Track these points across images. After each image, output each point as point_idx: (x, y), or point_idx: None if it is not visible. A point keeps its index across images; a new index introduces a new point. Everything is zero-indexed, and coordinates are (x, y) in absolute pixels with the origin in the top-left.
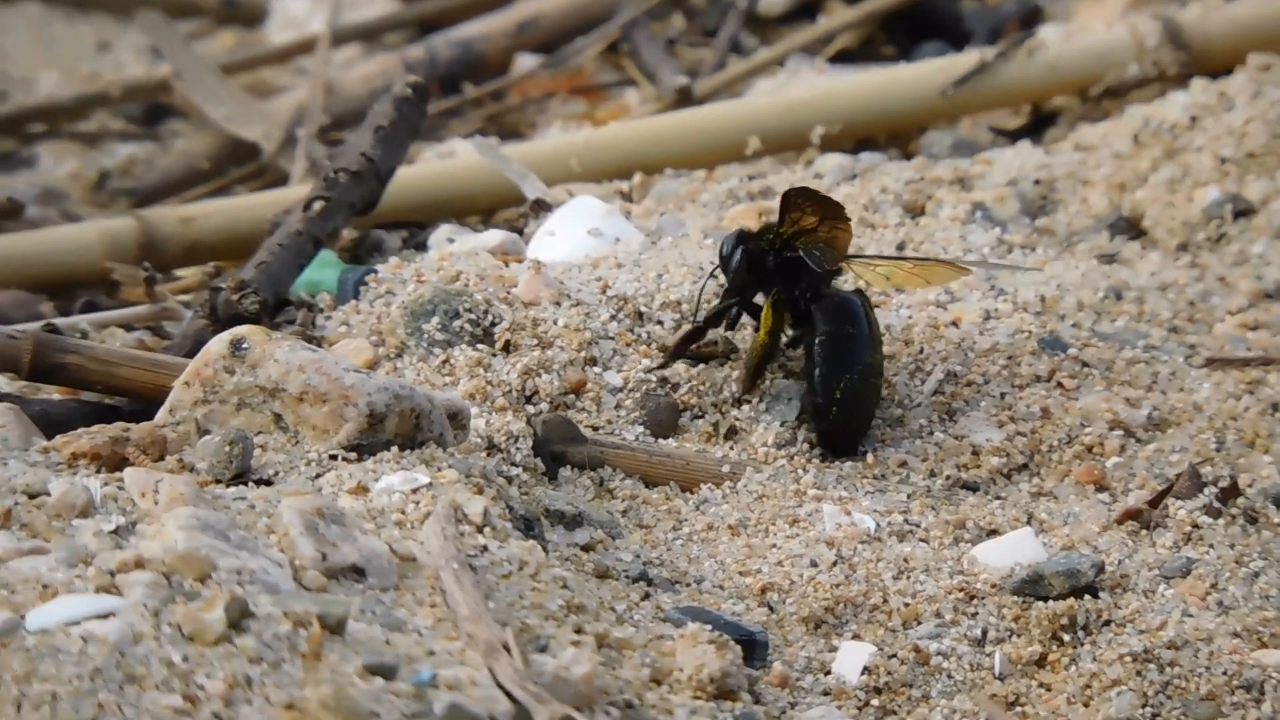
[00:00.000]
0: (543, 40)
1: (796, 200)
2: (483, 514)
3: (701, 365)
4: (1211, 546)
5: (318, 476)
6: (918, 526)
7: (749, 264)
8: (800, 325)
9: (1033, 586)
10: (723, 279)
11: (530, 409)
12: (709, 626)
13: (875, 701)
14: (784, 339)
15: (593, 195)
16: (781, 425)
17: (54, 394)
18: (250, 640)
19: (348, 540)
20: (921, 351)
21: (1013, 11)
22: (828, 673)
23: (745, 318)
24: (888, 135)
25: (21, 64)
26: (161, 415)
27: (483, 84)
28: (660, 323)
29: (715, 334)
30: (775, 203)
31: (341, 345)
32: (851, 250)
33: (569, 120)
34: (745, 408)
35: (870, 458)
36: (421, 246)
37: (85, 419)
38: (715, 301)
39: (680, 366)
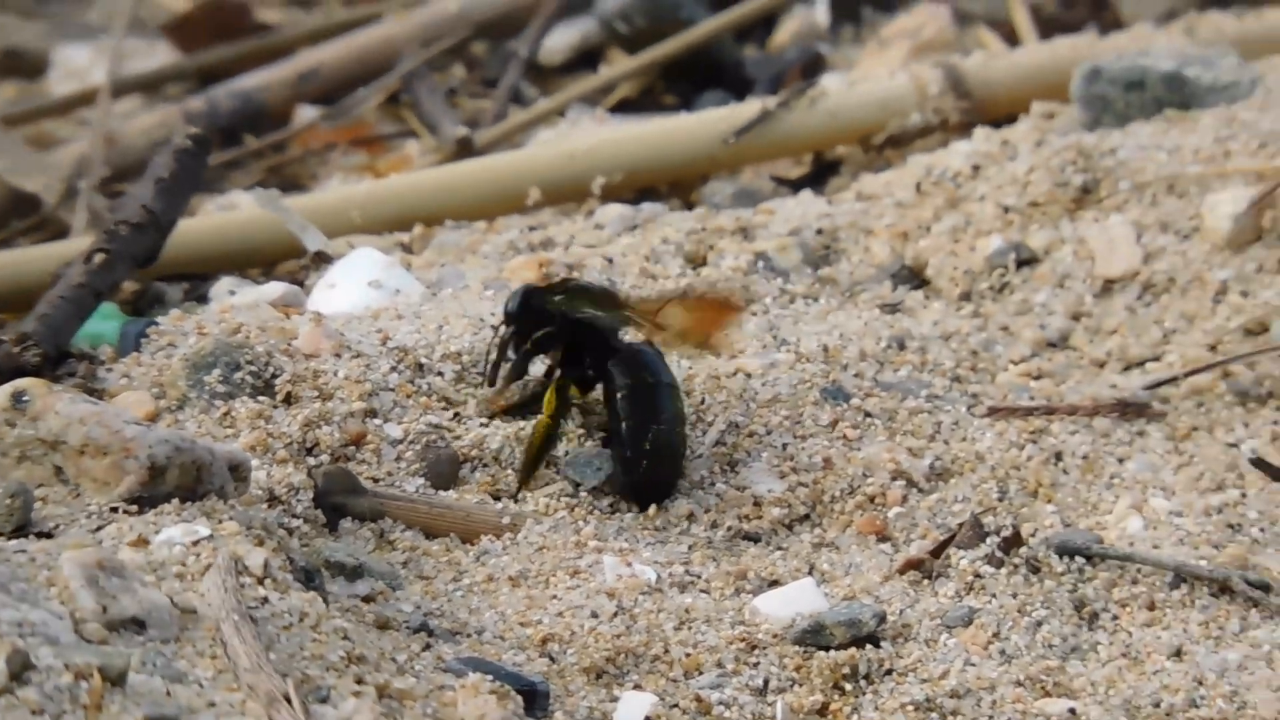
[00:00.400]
0: (324, 91)
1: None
2: (264, 566)
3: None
4: (994, 595)
5: (99, 529)
6: (699, 577)
7: (534, 315)
8: (591, 387)
9: (814, 636)
10: (504, 333)
11: (311, 460)
12: (490, 677)
13: None
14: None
15: (373, 247)
16: (576, 486)
17: None
18: (32, 692)
19: (128, 592)
20: (703, 402)
21: (794, 59)
22: None
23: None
24: (669, 185)
25: None
26: None
27: (264, 135)
28: (440, 374)
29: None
30: (555, 254)
31: (123, 397)
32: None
33: (350, 172)
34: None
35: (652, 509)
36: (203, 299)
37: None
38: (495, 356)
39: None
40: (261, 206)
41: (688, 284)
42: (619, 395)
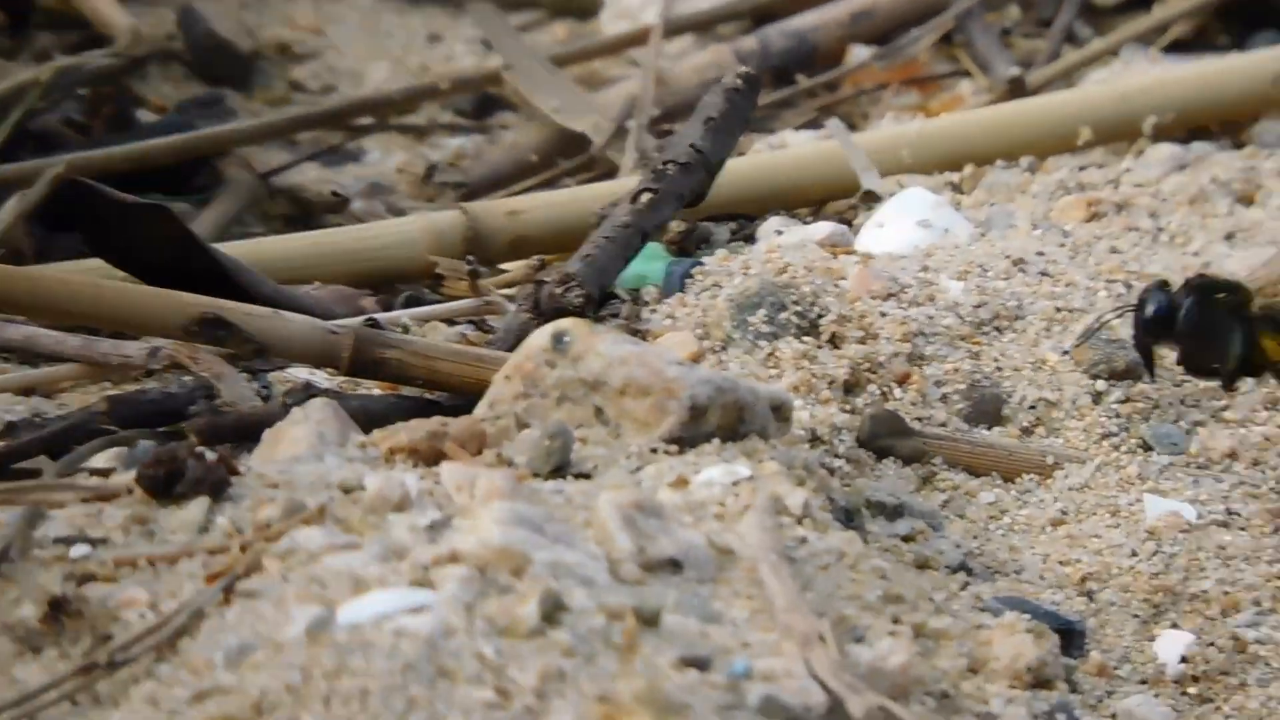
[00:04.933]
0: (877, 31)
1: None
2: (803, 505)
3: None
4: None
5: (638, 470)
6: (1239, 515)
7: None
8: None
9: None
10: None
11: (855, 401)
12: (1027, 615)
13: (1192, 689)
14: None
15: (923, 186)
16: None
17: (374, 389)
18: (564, 634)
19: (665, 533)
20: None
21: None
22: (1145, 662)
23: None
24: (1220, 124)
25: (351, 56)
26: (481, 409)
27: (816, 75)
28: (981, 316)
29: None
30: (1104, 193)
31: (666, 338)
32: None
33: (902, 111)
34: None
35: (1194, 448)
36: (750, 239)
37: (404, 414)
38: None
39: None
40: (835, 138)
41: None
42: None
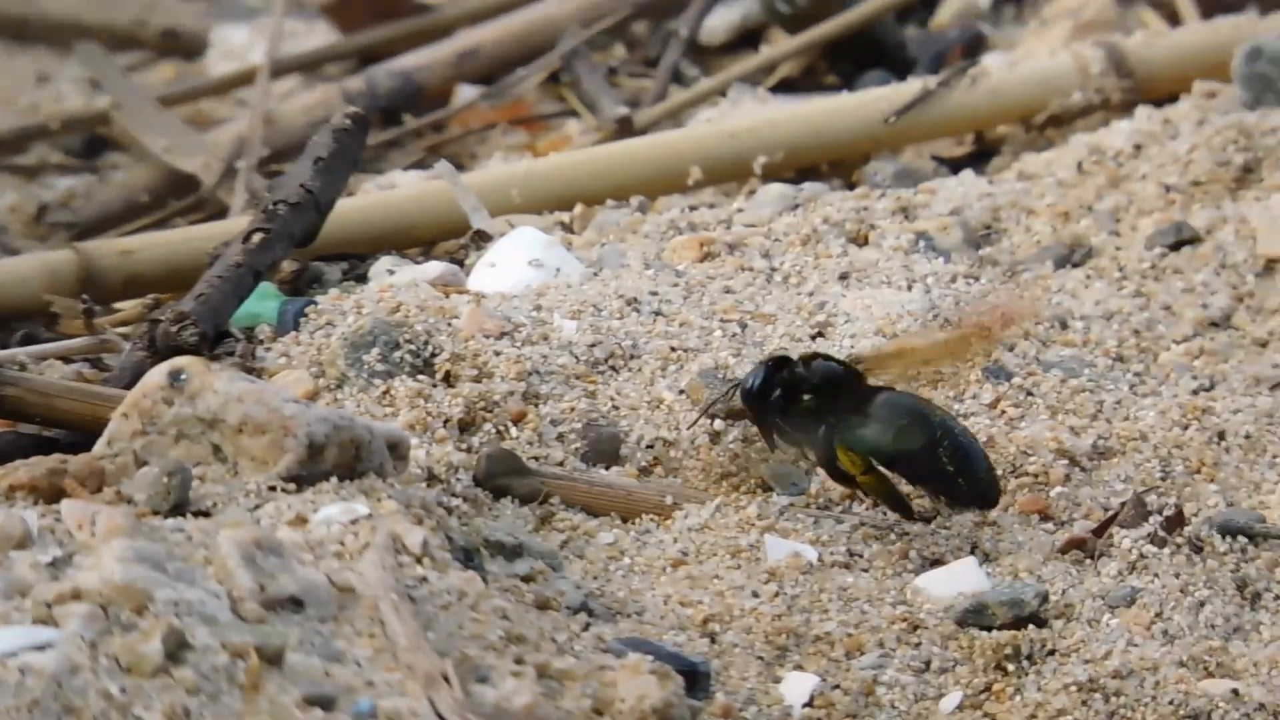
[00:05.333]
0: (484, 71)
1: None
2: (422, 544)
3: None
4: (1157, 575)
5: (256, 508)
6: (860, 557)
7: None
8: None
9: (976, 616)
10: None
11: (471, 440)
12: (651, 657)
13: None
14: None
15: (534, 226)
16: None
17: None
18: (188, 671)
19: (286, 571)
20: None
21: (956, 39)
22: (771, 704)
23: None
24: (830, 164)
25: None
26: (100, 447)
27: (423, 115)
28: (597, 354)
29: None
30: (716, 234)
31: (281, 376)
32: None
33: (510, 151)
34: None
35: (813, 489)
36: (361, 278)
37: (23, 451)
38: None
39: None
40: (443, 179)
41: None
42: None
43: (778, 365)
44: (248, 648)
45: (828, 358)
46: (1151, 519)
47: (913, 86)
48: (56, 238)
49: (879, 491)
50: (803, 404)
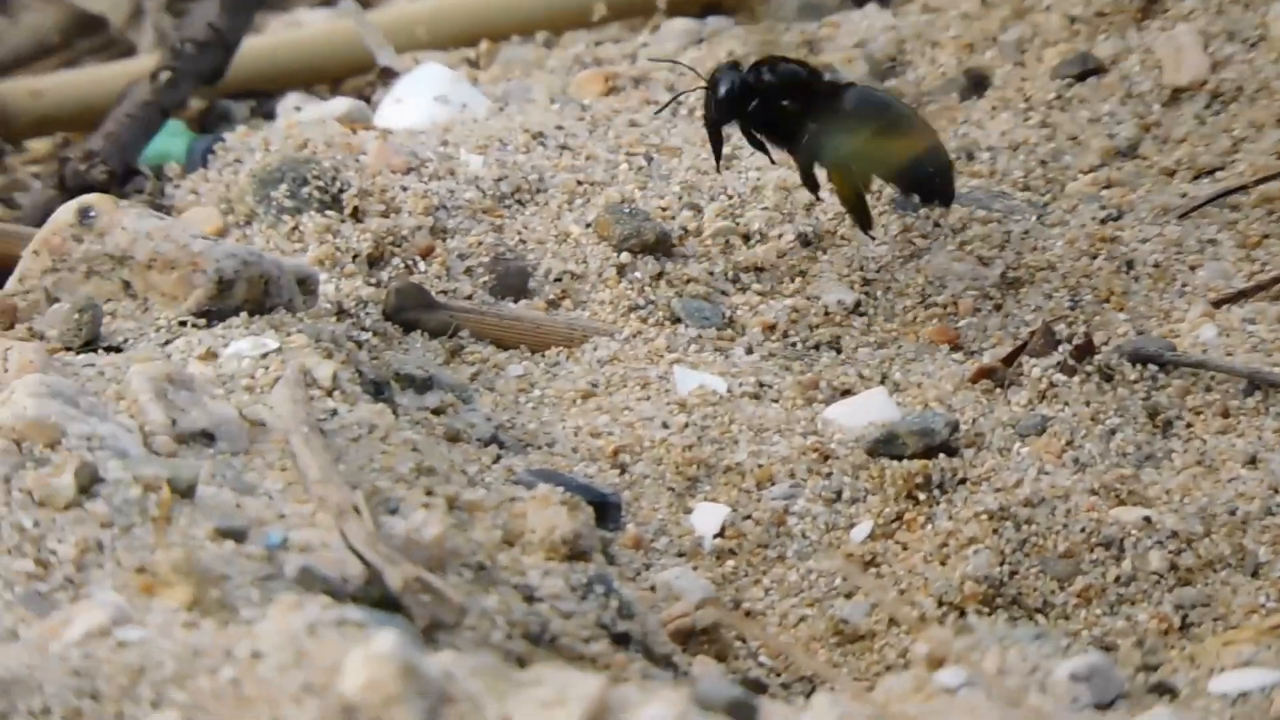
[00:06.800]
0: None
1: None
2: (332, 378)
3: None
4: (1067, 404)
5: (167, 343)
6: (770, 388)
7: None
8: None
9: (887, 446)
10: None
11: (380, 275)
12: (561, 488)
13: (730, 563)
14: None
15: (439, 63)
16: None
17: None
18: (101, 505)
19: (197, 406)
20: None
21: None
22: (682, 535)
23: None
24: None
25: None
26: (11, 284)
27: None
28: (503, 188)
29: None
30: (621, 68)
31: (190, 213)
32: None
33: None
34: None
35: (723, 320)
36: (269, 115)
37: None
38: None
39: None
40: (346, 19)
41: None
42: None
43: (745, 70)
44: (160, 481)
45: (785, 59)
46: (1061, 348)
47: None
48: None
49: (847, 199)
50: (785, 110)
